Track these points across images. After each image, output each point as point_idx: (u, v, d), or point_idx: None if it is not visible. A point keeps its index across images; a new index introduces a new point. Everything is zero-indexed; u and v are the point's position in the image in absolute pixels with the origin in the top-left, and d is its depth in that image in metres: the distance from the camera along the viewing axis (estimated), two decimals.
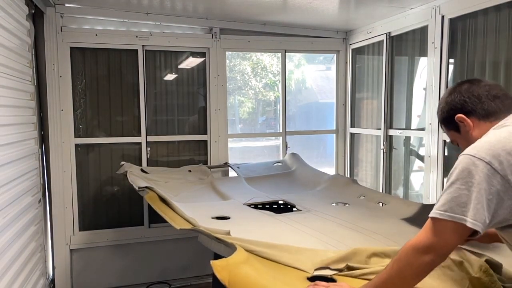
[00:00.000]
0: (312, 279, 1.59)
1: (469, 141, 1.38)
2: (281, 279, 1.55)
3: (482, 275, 1.44)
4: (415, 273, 1.28)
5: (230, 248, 1.70)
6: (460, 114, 1.43)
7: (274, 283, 1.47)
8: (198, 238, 2.08)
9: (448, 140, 3.23)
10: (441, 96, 1.56)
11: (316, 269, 1.63)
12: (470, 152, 1.24)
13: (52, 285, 3.74)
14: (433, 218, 1.26)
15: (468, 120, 1.42)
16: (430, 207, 2.66)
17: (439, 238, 1.24)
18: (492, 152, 1.21)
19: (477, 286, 1.45)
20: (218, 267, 1.46)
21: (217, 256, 1.81)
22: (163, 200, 2.54)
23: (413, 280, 1.29)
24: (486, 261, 1.51)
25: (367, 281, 1.49)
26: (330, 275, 1.60)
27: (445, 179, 3.29)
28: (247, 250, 1.67)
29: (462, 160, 1.25)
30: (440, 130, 3.23)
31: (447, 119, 1.49)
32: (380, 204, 2.89)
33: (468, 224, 1.18)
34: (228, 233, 1.93)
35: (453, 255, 1.51)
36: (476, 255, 1.56)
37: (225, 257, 1.56)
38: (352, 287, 1.44)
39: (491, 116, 1.40)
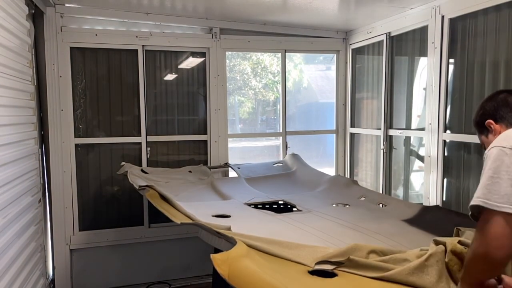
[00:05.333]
0: (313, 273, 1.59)
1: None
2: (282, 273, 1.55)
3: (452, 257, 1.49)
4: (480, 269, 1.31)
5: (231, 242, 1.70)
6: (490, 119, 1.54)
7: (275, 276, 1.46)
8: (198, 233, 2.08)
9: (448, 140, 3.23)
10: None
11: (316, 263, 1.63)
12: (501, 144, 1.31)
13: (52, 285, 3.74)
14: (476, 212, 1.29)
15: (496, 126, 1.52)
16: (430, 208, 2.68)
17: (484, 234, 1.26)
18: None
19: (453, 268, 1.50)
20: (218, 260, 1.46)
21: (217, 252, 1.81)
22: (164, 198, 2.55)
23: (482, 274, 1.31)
24: (459, 242, 1.55)
25: (365, 278, 1.51)
26: (331, 270, 1.60)
27: (445, 179, 3.30)
28: (248, 245, 1.67)
29: (493, 152, 1.31)
30: (440, 130, 3.23)
31: (480, 123, 1.59)
32: (381, 205, 2.89)
33: (505, 210, 1.21)
34: (229, 229, 1.93)
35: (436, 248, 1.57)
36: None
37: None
38: None
39: None
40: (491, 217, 1.23)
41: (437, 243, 1.59)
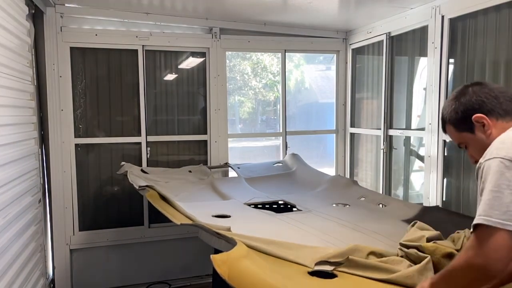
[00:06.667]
0: (313, 273, 1.59)
1: (485, 141, 1.37)
2: (282, 273, 1.55)
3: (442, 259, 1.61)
4: None
5: (231, 243, 1.70)
6: (479, 114, 1.41)
7: (275, 277, 1.46)
8: (198, 234, 2.08)
9: (448, 140, 3.22)
10: (448, 98, 1.55)
11: (316, 264, 1.64)
12: (499, 154, 1.22)
13: (52, 285, 3.74)
14: (476, 225, 1.20)
15: (489, 120, 1.40)
16: (430, 209, 2.68)
17: (483, 246, 1.17)
18: None
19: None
20: (218, 261, 1.46)
21: (217, 253, 1.81)
22: (164, 199, 2.55)
23: None
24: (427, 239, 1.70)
25: (365, 279, 1.51)
26: (331, 270, 1.61)
27: (445, 179, 3.29)
28: (248, 246, 1.67)
29: (492, 164, 1.22)
30: (440, 130, 3.22)
31: (462, 119, 1.45)
32: (381, 205, 2.88)
33: (509, 228, 1.14)
34: (229, 229, 1.93)
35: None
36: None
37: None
38: None
39: (508, 115, 1.39)
40: (494, 231, 1.15)
41: (407, 246, 1.69)
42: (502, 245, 1.14)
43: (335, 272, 1.60)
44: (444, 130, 1.57)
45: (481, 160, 1.27)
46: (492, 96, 1.40)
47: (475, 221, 1.19)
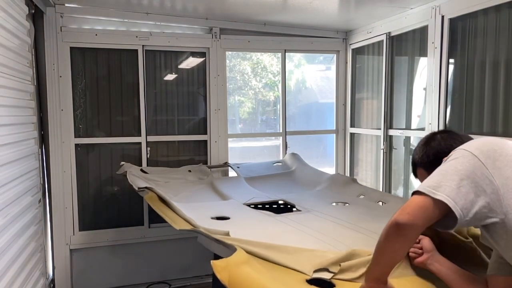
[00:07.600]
0: (311, 281, 1.59)
1: None
2: (281, 280, 1.55)
3: None
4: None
5: (230, 249, 1.71)
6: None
7: (274, 283, 1.47)
8: (198, 238, 2.09)
9: None
10: (418, 145, 1.69)
11: (315, 271, 1.63)
12: (461, 147, 1.37)
13: (52, 285, 3.74)
14: (415, 193, 1.30)
15: None
16: None
17: (414, 212, 1.27)
18: (480, 148, 1.32)
19: None
20: (219, 267, 1.47)
21: (217, 257, 1.81)
22: (163, 201, 2.54)
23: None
24: None
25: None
26: (329, 279, 1.61)
27: None
28: (247, 251, 1.67)
29: (453, 153, 1.36)
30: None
31: (432, 162, 1.55)
32: (380, 203, 2.88)
33: (441, 198, 1.22)
34: (227, 234, 1.92)
35: None
36: None
37: (225, 257, 1.56)
38: None
39: None
40: (423, 195, 1.26)
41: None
42: (416, 203, 1.25)
43: (333, 280, 1.60)
44: (415, 174, 1.68)
45: (458, 148, 1.39)
46: (459, 141, 1.53)
47: (419, 188, 1.29)
